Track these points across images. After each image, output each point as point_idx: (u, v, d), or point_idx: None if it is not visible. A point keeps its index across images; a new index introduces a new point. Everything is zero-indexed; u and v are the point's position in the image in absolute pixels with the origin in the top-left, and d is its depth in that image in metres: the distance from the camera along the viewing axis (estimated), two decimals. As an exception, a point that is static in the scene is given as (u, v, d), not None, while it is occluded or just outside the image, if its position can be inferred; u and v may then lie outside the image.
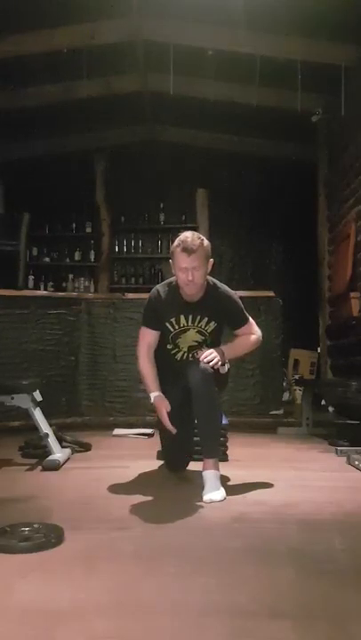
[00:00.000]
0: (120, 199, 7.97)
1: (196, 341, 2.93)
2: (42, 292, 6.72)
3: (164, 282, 3.05)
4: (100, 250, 7.93)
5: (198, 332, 2.92)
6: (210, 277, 2.93)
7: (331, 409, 5.54)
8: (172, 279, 2.98)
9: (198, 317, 2.90)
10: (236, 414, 4.79)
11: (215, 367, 2.75)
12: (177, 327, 2.92)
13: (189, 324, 2.91)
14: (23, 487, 2.90)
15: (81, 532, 2.12)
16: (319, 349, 6.82)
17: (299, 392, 6.20)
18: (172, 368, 2.95)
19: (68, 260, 8.13)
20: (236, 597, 1.57)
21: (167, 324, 2.93)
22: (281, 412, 5.35)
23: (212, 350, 2.80)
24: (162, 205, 8.06)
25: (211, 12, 5.06)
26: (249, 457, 3.60)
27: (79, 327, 5.24)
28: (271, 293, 5.19)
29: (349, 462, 3.39)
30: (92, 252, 8.02)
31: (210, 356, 2.76)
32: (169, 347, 2.96)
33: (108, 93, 6.41)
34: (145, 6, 5.08)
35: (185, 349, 2.95)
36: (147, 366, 2.98)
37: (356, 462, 3.29)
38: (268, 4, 4.77)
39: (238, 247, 7.98)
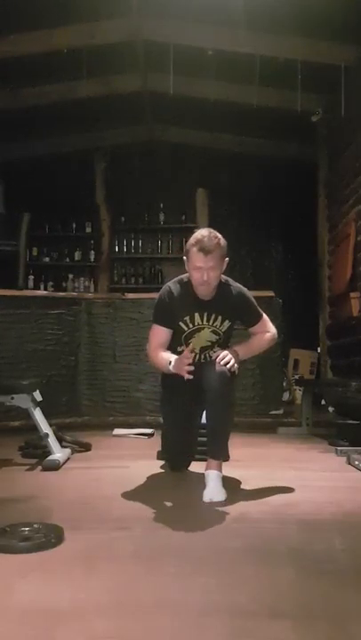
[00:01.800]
0: (120, 199, 7.98)
1: (210, 341, 2.87)
2: (42, 292, 6.72)
3: (175, 279, 2.95)
4: (99, 250, 7.93)
5: (213, 331, 2.85)
6: (222, 276, 2.85)
7: (331, 409, 5.54)
8: (184, 276, 2.89)
9: (213, 316, 2.83)
10: (236, 414, 4.78)
11: (231, 370, 2.69)
12: (191, 326, 2.84)
13: (204, 322, 2.84)
14: (23, 487, 2.90)
15: (81, 531, 2.12)
16: (319, 349, 6.82)
17: (299, 392, 6.20)
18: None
19: (68, 259, 8.13)
20: (236, 597, 1.56)
21: (181, 323, 2.84)
22: (281, 411, 5.35)
23: (227, 352, 2.73)
24: (162, 205, 8.06)
25: (211, 12, 5.06)
26: (249, 457, 3.60)
27: (79, 327, 5.24)
28: (271, 293, 5.19)
29: (349, 462, 3.39)
30: (92, 252, 8.02)
31: (226, 357, 2.69)
32: (180, 349, 2.85)
33: (107, 93, 6.41)
34: (145, 6, 5.08)
35: (197, 350, 2.84)
36: (157, 356, 2.83)
37: (357, 462, 3.29)
38: (269, 3, 4.77)
39: (238, 247, 7.96)
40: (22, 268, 5.14)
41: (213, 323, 2.85)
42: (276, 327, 5.18)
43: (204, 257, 2.69)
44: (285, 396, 6.34)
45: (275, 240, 8.12)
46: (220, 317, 2.84)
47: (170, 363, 2.73)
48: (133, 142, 7.80)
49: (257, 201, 7.80)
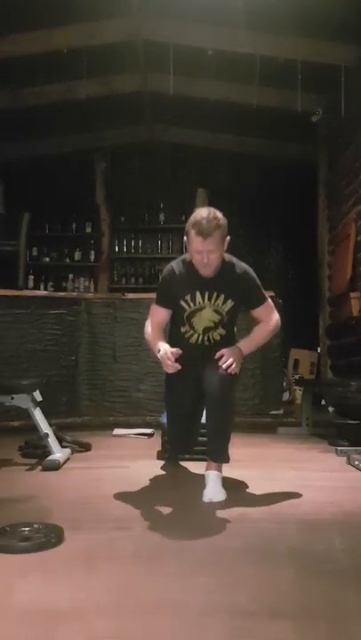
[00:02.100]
0: (120, 199, 7.98)
1: (213, 321, 2.79)
2: (42, 292, 6.72)
3: (179, 258, 2.91)
4: (100, 250, 7.94)
5: (215, 310, 2.78)
6: (227, 254, 2.78)
7: (331, 409, 5.53)
8: (187, 255, 2.83)
9: (215, 294, 2.76)
10: (236, 414, 4.78)
11: (233, 372, 2.65)
12: (192, 305, 2.78)
13: (205, 301, 2.77)
14: (23, 487, 2.90)
15: (81, 531, 2.12)
16: (319, 349, 6.82)
17: (299, 392, 6.20)
18: (186, 353, 2.79)
19: (68, 260, 8.13)
20: (236, 597, 1.56)
21: (182, 302, 2.79)
22: (281, 411, 5.35)
23: (230, 353, 2.67)
24: (162, 205, 8.07)
25: (211, 12, 5.06)
26: (249, 457, 3.60)
27: (79, 327, 5.24)
28: (271, 293, 5.18)
29: (349, 462, 3.39)
30: (92, 252, 8.02)
31: (229, 360, 2.64)
32: (183, 329, 2.84)
33: (107, 93, 6.41)
34: (145, 6, 5.08)
35: (200, 331, 2.81)
36: (153, 332, 2.84)
37: (357, 462, 3.29)
38: (269, 3, 4.77)
39: (238, 247, 7.95)
40: (22, 268, 5.13)
41: (215, 302, 2.77)
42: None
43: (203, 241, 2.63)
44: (285, 396, 6.34)
45: (275, 240, 8.12)
46: (222, 296, 2.77)
47: (159, 351, 2.73)
48: (133, 142, 7.79)
49: (257, 201, 7.80)
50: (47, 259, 8.11)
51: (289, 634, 1.36)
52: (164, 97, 5.97)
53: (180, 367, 2.65)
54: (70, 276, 8.03)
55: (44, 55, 5.57)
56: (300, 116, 5.99)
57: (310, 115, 6.24)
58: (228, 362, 2.64)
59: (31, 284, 7.64)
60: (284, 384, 6.39)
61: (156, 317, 2.89)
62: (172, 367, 2.65)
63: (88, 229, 8.06)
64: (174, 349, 2.67)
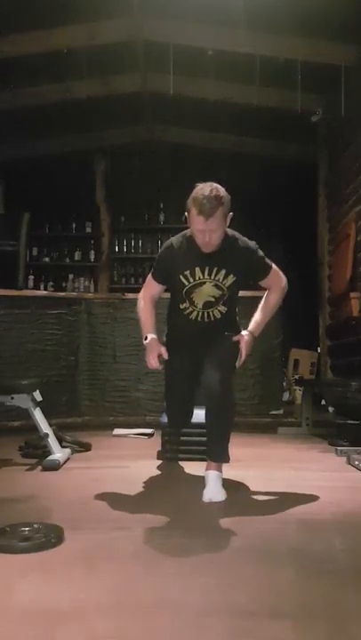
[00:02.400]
0: (120, 199, 7.97)
1: (213, 296, 2.74)
2: (42, 292, 6.72)
3: (179, 234, 2.86)
4: (100, 250, 7.93)
5: (215, 285, 2.72)
6: (229, 230, 2.73)
7: (331, 409, 5.54)
8: (187, 230, 2.79)
9: (215, 269, 2.70)
10: (236, 414, 4.78)
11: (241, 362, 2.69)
12: (192, 280, 2.72)
13: (205, 276, 2.71)
14: (23, 487, 2.90)
15: (81, 531, 2.12)
16: (319, 349, 6.82)
17: (299, 392, 6.20)
18: (185, 329, 2.80)
19: (68, 260, 8.13)
20: (236, 597, 1.56)
21: (181, 277, 2.73)
22: (281, 411, 5.35)
23: (246, 345, 2.67)
24: (162, 205, 8.06)
25: (211, 12, 5.05)
26: (249, 457, 3.60)
27: (79, 327, 5.24)
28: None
29: (349, 462, 3.39)
30: (92, 252, 8.02)
31: (243, 357, 2.67)
32: (182, 306, 2.79)
33: (107, 93, 6.41)
34: (145, 6, 5.07)
35: (200, 307, 2.76)
36: (145, 309, 2.86)
37: (357, 462, 3.29)
38: (269, 3, 4.77)
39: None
40: (22, 268, 5.12)
41: (215, 276, 2.72)
42: (277, 327, 5.20)
43: (204, 221, 2.58)
44: (285, 396, 6.34)
45: (275, 240, 8.11)
46: (223, 271, 2.71)
47: (146, 338, 2.76)
48: (133, 142, 7.79)
49: (257, 201, 7.79)
50: (47, 259, 8.11)
51: (289, 634, 1.36)
52: (164, 97, 5.97)
53: (159, 367, 2.70)
54: (70, 276, 8.03)
55: (43, 55, 5.57)
56: (300, 116, 5.99)
57: (310, 115, 6.24)
58: (243, 359, 2.67)
59: (31, 283, 7.64)
60: (284, 384, 6.39)
61: (150, 291, 2.92)
62: (152, 365, 2.71)
63: (88, 229, 8.06)
64: (163, 350, 2.70)
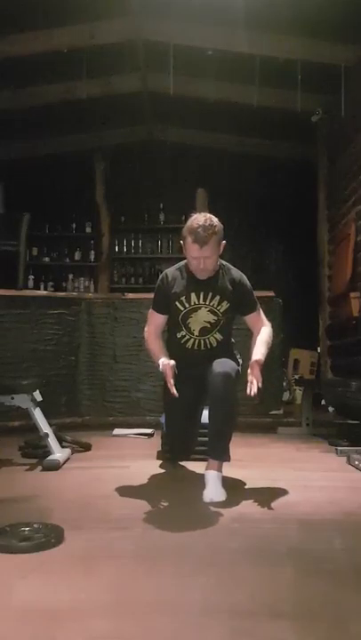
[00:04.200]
0: (120, 199, 7.98)
1: (208, 322, 2.84)
2: (42, 292, 6.71)
3: (173, 266, 3.00)
4: (99, 250, 7.93)
5: (210, 311, 2.83)
6: (222, 261, 2.88)
7: (331, 409, 5.53)
8: (181, 263, 2.93)
9: (210, 295, 2.82)
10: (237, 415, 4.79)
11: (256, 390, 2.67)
12: (187, 305, 2.84)
13: (200, 301, 2.82)
14: (23, 487, 2.90)
15: (81, 531, 2.12)
16: (319, 349, 6.82)
17: (299, 392, 6.20)
18: (184, 359, 2.84)
19: (68, 259, 8.13)
20: (236, 597, 1.57)
21: (177, 304, 2.84)
22: (281, 411, 5.35)
23: (258, 373, 2.69)
24: (162, 205, 8.06)
25: (211, 12, 5.05)
26: (249, 457, 3.60)
27: (79, 327, 5.24)
28: (271, 293, 5.19)
29: (349, 462, 3.39)
30: (92, 252, 8.02)
31: (255, 382, 2.66)
32: (179, 335, 2.88)
33: (107, 93, 6.41)
34: (145, 6, 5.08)
35: (196, 333, 2.85)
36: (154, 342, 2.93)
37: (357, 462, 3.29)
38: (269, 3, 4.77)
39: (238, 247, 7.97)
40: (22, 268, 5.15)
41: (210, 302, 2.83)
42: (276, 327, 5.20)
43: (199, 248, 2.72)
44: (285, 396, 6.34)
45: (275, 240, 8.12)
46: (217, 297, 2.83)
47: (159, 365, 2.79)
48: (133, 142, 7.80)
49: (257, 201, 7.80)
50: (47, 259, 8.11)
51: (289, 634, 1.36)
52: (164, 97, 5.97)
53: (176, 395, 2.70)
54: (70, 276, 8.03)
55: (44, 55, 5.57)
56: (300, 116, 5.99)
57: (310, 115, 6.24)
58: (255, 384, 2.66)
59: (31, 284, 7.64)
60: (284, 384, 6.39)
61: (154, 323, 2.98)
62: (170, 384, 2.71)
63: (88, 229, 8.06)
64: (172, 362, 2.73)
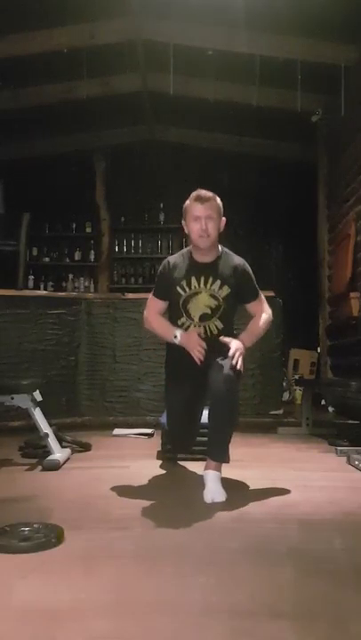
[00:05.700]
0: (120, 199, 7.98)
1: (209, 307, 2.81)
2: (42, 292, 6.72)
3: (176, 253, 3.01)
4: (99, 250, 7.94)
5: (211, 295, 2.80)
6: (224, 247, 2.89)
7: (331, 409, 5.54)
8: (183, 250, 2.97)
9: (211, 279, 2.80)
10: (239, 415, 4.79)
11: (238, 368, 2.66)
12: (188, 290, 2.81)
13: (201, 286, 2.80)
14: (23, 487, 2.90)
15: (81, 531, 2.12)
16: (319, 349, 6.82)
17: (299, 392, 6.20)
18: (185, 351, 2.78)
19: (68, 259, 8.14)
20: (236, 597, 1.57)
21: (177, 288, 2.83)
22: (281, 412, 5.35)
23: (236, 345, 2.68)
24: (162, 205, 8.06)
25: (211, 12, 5.06)
26: (249, 457, 3.60)
27: (79, 327, 5.24)
28: (271, 293, 5.19)
29: (349, 462, 3.39)
30: (92, 252, 8.03)
31: (236, 354, 2.65)
32: (180, 322, 2.85)
33: (107, 93, 6.41)
34: (145, 6, 5.08)
35: (197, 319, 2.81)
36: (158, 319, 2.93)
37: (357, 462, 3.29)
38: (268, 3, 4.77)
39: (238, 247, 7.94)
40: (22, 268, 5.14)
41: (211, 286, 2.80)
42: (276, 327, 5.20)
43: (201, 205, 2.77)
44: (285, 396, 6.34)
45: (275, 240, 8.12)
46: (218, 281, 2.80)
47: (175, 336, 2.78)
48: (133, 142, 7.80)
49: (257, 201, 7.80)
50: (47, 259, 8.12)
51: (288, 634, 1.36)
52: (164, 97, 5.98)
53: (204, 353, 2.69)
54: (70, 276, 8.04)
55: (43, 55, 5.58)
56: (300, 116, 5.99)
57: (310, 115, 6.25)
58: (236, 359, 2.65)
59: (31, 284, 7.64)
60: (284, 384, 6.39)
61: (153, 308, 2.97)
62: (200, 352, 2.69)
63: (88, 229, 8.07)
64: (199, 332, 2.73)
